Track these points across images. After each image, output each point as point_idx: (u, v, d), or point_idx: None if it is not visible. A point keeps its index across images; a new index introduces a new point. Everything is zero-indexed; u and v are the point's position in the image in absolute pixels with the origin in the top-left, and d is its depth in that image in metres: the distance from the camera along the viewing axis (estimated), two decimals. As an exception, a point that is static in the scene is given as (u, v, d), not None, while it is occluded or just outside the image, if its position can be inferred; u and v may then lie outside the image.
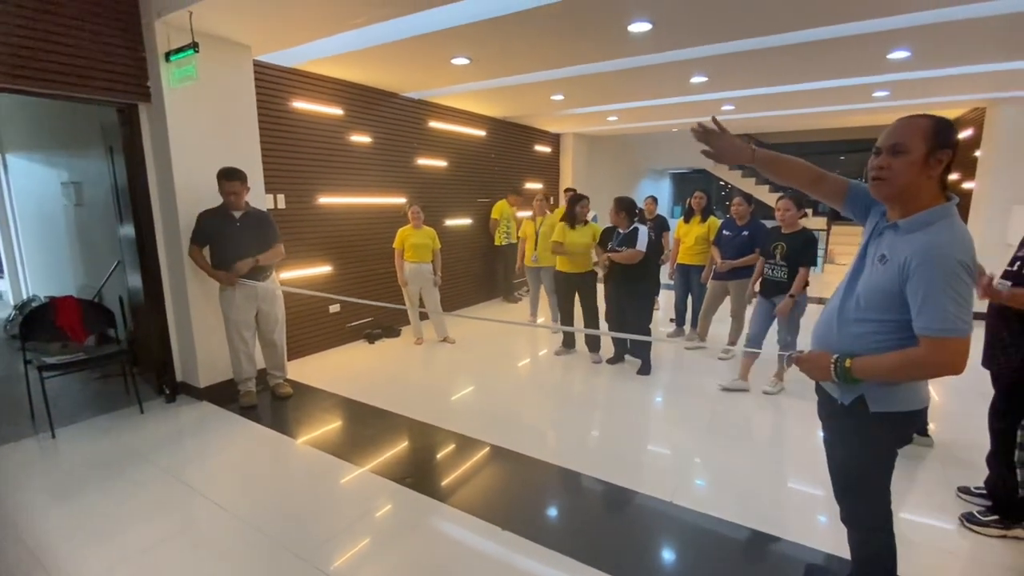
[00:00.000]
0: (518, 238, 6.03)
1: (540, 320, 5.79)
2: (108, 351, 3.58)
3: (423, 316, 5.40)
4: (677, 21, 3.37)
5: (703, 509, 2.42)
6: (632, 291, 4.22)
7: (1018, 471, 2.05)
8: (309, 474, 2.82)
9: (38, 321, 3.49)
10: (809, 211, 11.34)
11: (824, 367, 1.45)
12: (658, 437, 3.27)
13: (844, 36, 3.64)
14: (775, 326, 3.88)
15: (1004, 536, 2.20)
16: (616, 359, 4.58)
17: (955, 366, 1.27)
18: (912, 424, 1.46)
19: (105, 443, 3.11)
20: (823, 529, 2.29)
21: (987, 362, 2.29)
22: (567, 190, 7.11)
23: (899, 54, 4.10)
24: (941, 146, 1.31)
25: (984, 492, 2.42)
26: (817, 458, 2.72)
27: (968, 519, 2.29)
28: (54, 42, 2.96)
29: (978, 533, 2.23)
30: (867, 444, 1.49)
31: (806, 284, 3.63)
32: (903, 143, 1.33)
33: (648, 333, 4.51)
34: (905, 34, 3.61)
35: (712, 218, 4.92)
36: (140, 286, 3.77)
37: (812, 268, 3.65)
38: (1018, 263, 2.15)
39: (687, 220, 5.04)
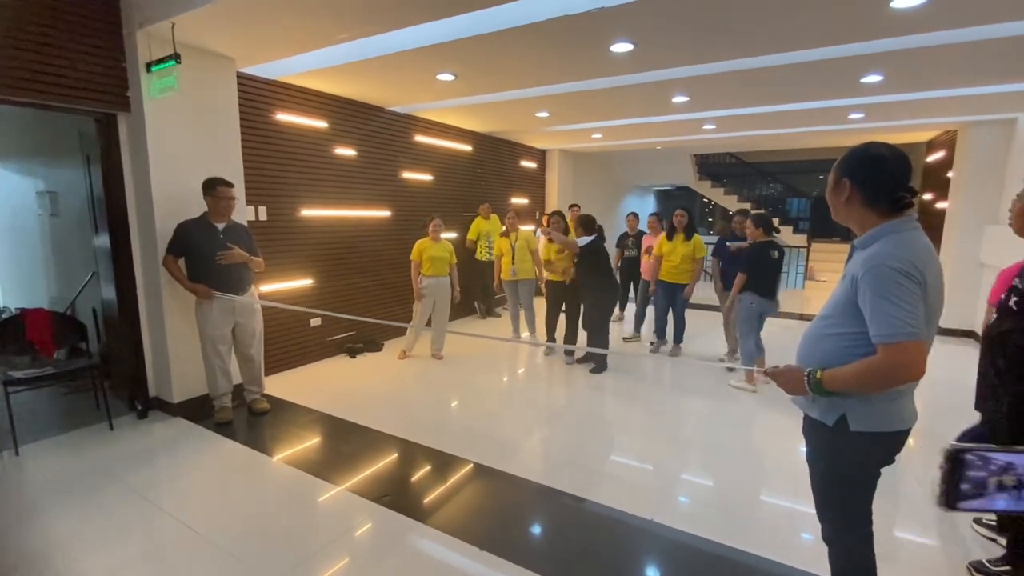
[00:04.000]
0: (494, 254, 5.98)
1: (524, 335, 5.77)
2: (78, 365, 3.48)
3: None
4: (657, 42, 3.44)
5: (684, 527, 2.41)
6: (588, 295, 4.75)
7: None
8: (285, 493, 2.75)
9: (7, 334, 3.38)
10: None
11: (798, 380, 1.48)
12: (640, 452, 3.25)
13: (819, 60, 3.75)
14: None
15: (992, 539, 2.19)
16: (584, 359, 5.05)
17: (910, 370, 1.30)
18: (896, 445, 1.46)
19: (71, 461, 3.01)
20: (806, 546, 2.29)
21: (978, 404, 2.16)
22: (572, 206, 7.23)
23: (872, 78, 4.23)
24: (842, 175, 1.47)
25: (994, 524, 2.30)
26: (799, 472, 2.75)
27: (977, 568, 2.10)
28: (32, 51, 2.92)
29: None
30: (848, 464, 1.49)
31: (742, 288, 4.25)
32: (829, 176, 1.53)
33: (605, 334, 4.76)
34: (878, 59, 3.73)
35: (697, 236, 4.95)
36: (114, 298, 3.68)
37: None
38: (1015, 297, 1.94)
39: (670, 238, 5.06)
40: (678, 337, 5.20)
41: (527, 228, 6.13)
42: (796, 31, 3.21)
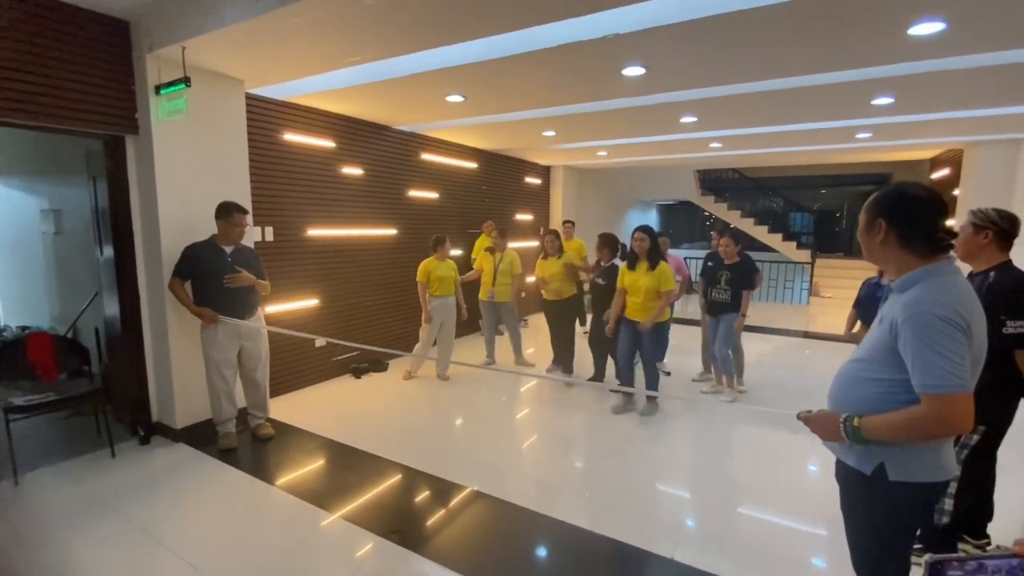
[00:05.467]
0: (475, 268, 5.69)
1: (527, 354, 5.67)
2: (80, 391, 3.41)
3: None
4: (670, 67, 3.43)
5: (708, 568, 2.32)
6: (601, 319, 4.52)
7: (946, 500, 2.19)
8: (289, 527, 2.67)
9: (8, 357, 3.33)
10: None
11: (833, 426, 1.42)
12: (655, 483, 3.18)
13: (830, 83, 3.74)
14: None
15: (917, 564, 2.15)
16: (593, 378, 4.83)
17: (958, 422, 1.25)
18: (935, 496, 1.40)
19: (72, 491, 2.93)
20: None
21: None
22: (566, 223, 6.96)
23: (883, 100, 4.22)
24: (876, 215, 1.42)
25: None
26: (805, 495, 2.67)
27: None
28: (39, 74, 2.90)
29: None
30: (886, 515, 1.43)
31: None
32: (860, 217, 1.48)
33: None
34: (890, 82, 3.72)
35: (664, 265, 3.95)
36: (118, 319, 3.63)
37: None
38: None
39: (632, 267, 4.06)
40: (651, 385, 4.08)
41: (515, 245, 6.02)
42: (812, 57, 3.20)
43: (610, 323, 4.18)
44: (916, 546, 2.27)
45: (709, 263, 4.65)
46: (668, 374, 5.09)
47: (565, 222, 6.96)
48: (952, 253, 1.40)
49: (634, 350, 4.13)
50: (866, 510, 1.47)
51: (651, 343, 4.03)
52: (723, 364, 4.48)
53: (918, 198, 1.39)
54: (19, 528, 2.59)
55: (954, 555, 0.65)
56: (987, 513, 2.30)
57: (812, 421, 1.50)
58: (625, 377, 4.18)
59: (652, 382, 4.06)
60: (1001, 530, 2.35)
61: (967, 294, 1.32)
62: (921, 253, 1.37)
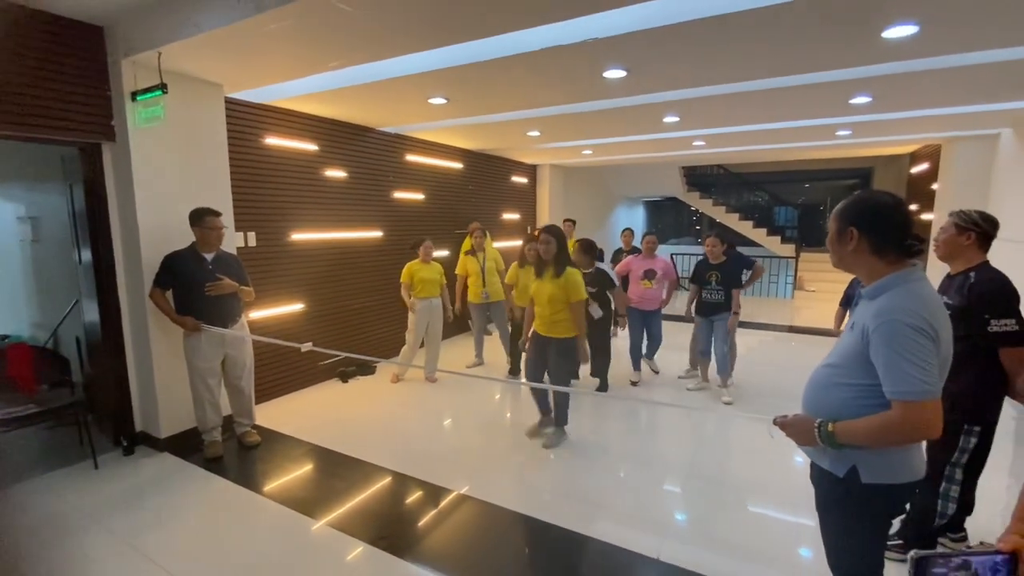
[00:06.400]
0: (457, 273, 5.54)
1: (486, 360, 5.64)
2: (61, 402, 3.36)
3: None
4: (651, 69, 3.45)
5: (689, 566, 2.36)
6: (589, 318, 4.31)
7: (939, 502, 2.23)
8: (277, 536, 2.66)
9: (-15, 371, 3.27)
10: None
11: (808, 431, 1.45)
12: (642, 483, 3.21)
13: (809, 84, 3.78)
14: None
15: (902, 561, 2.20)
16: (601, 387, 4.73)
17: (928, 428, 1.29)
18: (906, 496, 1.45)
19: (54, 505, 2.89)
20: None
21: None
22: (566, 221, 6.74)
23: (860, 99, 4.28)
24: (847, 224, 1.44)
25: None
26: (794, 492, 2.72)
27: None
28: (10, 82, 2.84)
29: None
30: (859, 516, 1.47)
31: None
32: (829, 225, 1.52)
33: (606, 355, 4.68)
34: (867, 82, 3.77)
35: (571, 271, 3.38)
36: (98, 326, 3.58)
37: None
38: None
39: (538, 274, 3.53)
40: (560, 418, 3.63)
41: (498, 245, 6.00)
42: (790, 60, 3.24)
43: (523, 336, 3.74)
44: (897, 542, 2.33)
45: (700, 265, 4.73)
46: (656, 372, 5.22)
47: (565, 220, 6.78)
48: (919, 261, 1.43)
49: (544, 367, 3.59)
50: (840, 511, 1.51)
51: (558, 362, 3.50)
52: (722, 362, 4.47)
53: (888, 206, 1.42)
54: (1, 543, 2.56)
55: (939, 551, 0.66)
56: (967, 508, 2.36)
57: (788, 426, 1.53)
58: (540, 398, 3.72)
59: (560, 408, 3.63)
60: (979, 523, 2.42)
61: (934, 302, 1.36)
62: (891, 260, 1.41)
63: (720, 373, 4.54)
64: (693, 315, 4.65)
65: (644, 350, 5.13)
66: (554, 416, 3.67)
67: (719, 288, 4.40)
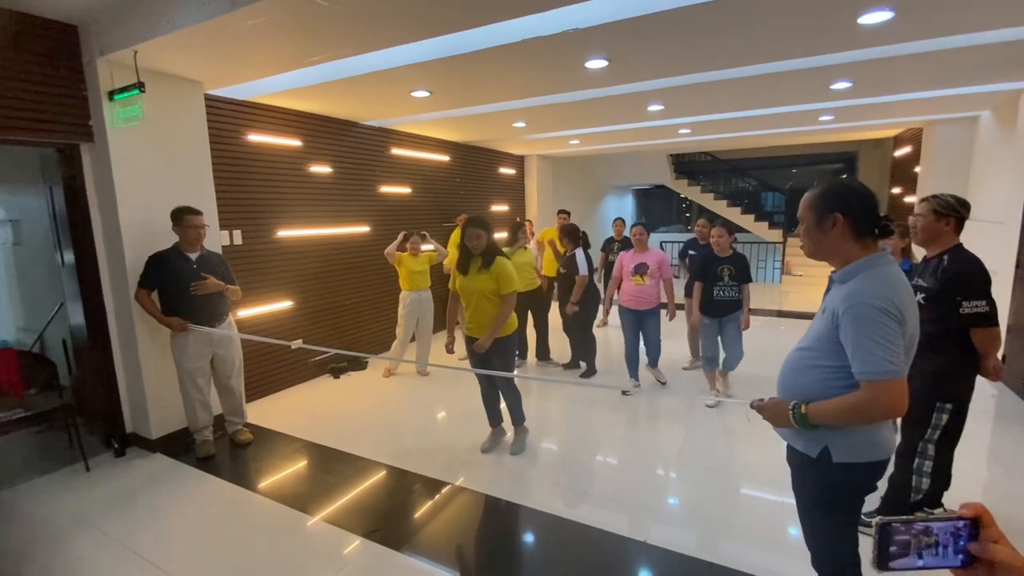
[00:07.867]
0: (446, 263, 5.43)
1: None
2: (49, 406, 3.35)
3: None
4: (632, 59, 3.45)
5: (680, 549, 2.42)
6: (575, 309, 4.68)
7: (914, 477, 2.30)
8: (271, 532, 2.69)
9: (-30, 376, 3.25)
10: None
11: (783, 413, 1.51)
12: (632, 469, 3.27)
13: (790, 71, 3.81)
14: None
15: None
16: (570, 365, 5.05)
17: (894, 407, 1.33)
18: (876, 473, 1.50)
19: (46, 508, 2.89)
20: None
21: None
22: (560, 212, 6.50)
23: (841, 84, 4.31)
24: (827, 211, 1.46)
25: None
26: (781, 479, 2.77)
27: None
28: (-15, 84, 2.80)
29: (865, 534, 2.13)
30: (832, 493, 1.52)
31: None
32: (800, 215, 1.55)
33: (591, 339, 4.86)
34: (846, 68, 3.80)
35: (500, 261, 3.09)
36: (84, 330, 3.56)
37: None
38: (921, 295, 2.17)
39: (463, 269, 3.15)
40: (517, 418, 3.46)
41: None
42: (768, 47, 3.26)
43: (447, 338, 3.37)
44: (875, 518, 2.38)
45: (690, 251, 4.68)
46: (664, 383, 4.58)
47: (560, 212, 6.53)
48: (887, 245, 1.47)
49: (489, 369, 3.22)
50: (815, 489, 1.57)
51: (502, 364, 3.17)
52: (735, 362, 4.15)
53: (863, 189, 1.48)
54: (-7, 549, 2.56)
55: (902, 517, 0.68)
56: (945, 483, 2.42)
57: (764, 409, 1.58)
58: (490, 409, 3.50)
59: (515, 411, 3.43)
60: (957, 498, 2.49)
61: (901, 285, 1.40)
62: (867, 243, 1.45)
63: (716, 372, 4.17)
64: (701, 317, 4.03)
65: (644, 355, 4.53)
66: (512, 418, 3.47)
67: (734, 284, 3.92)
